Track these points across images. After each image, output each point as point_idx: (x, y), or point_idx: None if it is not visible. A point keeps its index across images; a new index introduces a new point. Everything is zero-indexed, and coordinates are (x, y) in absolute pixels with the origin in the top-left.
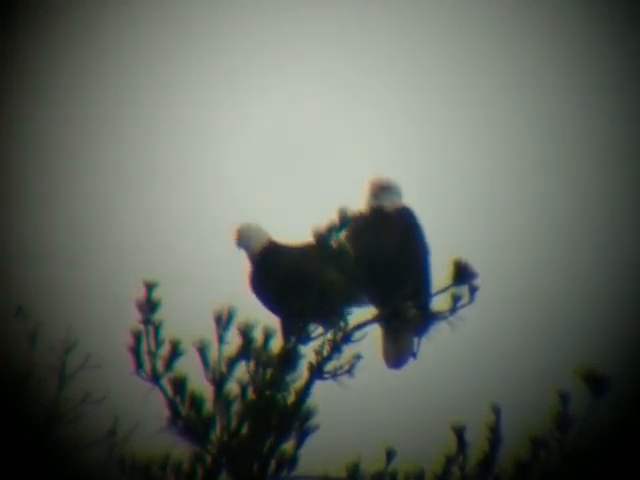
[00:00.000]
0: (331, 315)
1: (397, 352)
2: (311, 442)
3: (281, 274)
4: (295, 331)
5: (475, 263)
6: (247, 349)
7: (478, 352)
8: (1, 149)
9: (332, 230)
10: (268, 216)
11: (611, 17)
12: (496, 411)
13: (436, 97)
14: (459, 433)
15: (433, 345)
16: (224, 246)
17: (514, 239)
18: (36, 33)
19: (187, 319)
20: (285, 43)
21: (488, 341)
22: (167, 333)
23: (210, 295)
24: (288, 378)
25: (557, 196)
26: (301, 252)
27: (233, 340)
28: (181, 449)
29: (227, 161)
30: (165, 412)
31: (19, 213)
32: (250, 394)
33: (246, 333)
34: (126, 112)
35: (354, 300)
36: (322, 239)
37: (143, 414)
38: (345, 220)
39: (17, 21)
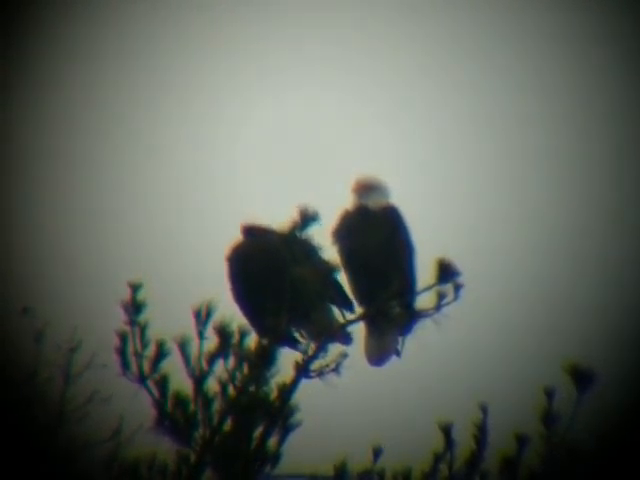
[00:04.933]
0: (307, 311)
1: (381, 350)
2: (299, 440)
3: (261, 263)
4: (271, 327)
5: (461, 262)
6: (225, 346)
7: (466, 351)
8: (2, 149)
9: (295, 229)
10: (260, 214)
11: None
12: (483, 409)
13: (429, 97)
14: (446, 431)
15: (421, 344)
16: (213, 245)
17: (502, 238)
18: (36, 32)
19: (176, 319)
20: (286, 43)
21: (476, 340)
22: (153, 333)
23: (195, 293)
24: (268, 373)
25: (549, 195)
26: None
27: (213, 337)
28: (170, 449)
29: (224, 161)
30: (152, 412)
31: (21, 212)
32: (230, 391)
33: (223, 330)
34: (125, 111)
35: (326, 295)
36: (286, 238)
37: (147, 413)
38: (307, 217)
39: (17, 20)
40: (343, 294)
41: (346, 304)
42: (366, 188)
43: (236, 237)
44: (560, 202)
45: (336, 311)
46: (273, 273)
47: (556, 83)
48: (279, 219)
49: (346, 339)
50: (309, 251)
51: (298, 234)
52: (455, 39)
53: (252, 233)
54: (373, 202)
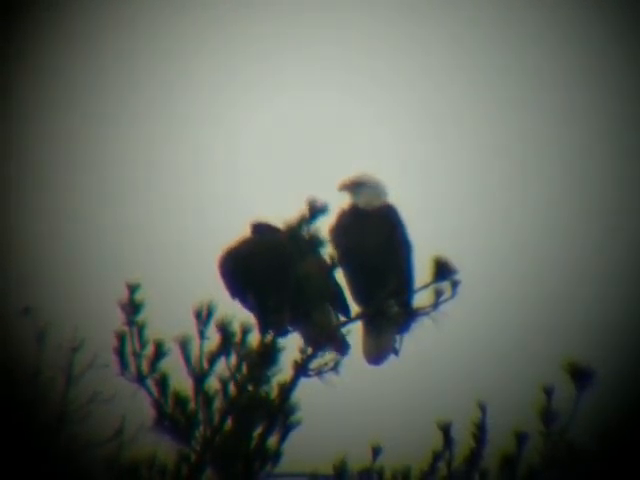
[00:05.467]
0: (309, 309)
1: (378, 349)
2: (299, 439)
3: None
4: (273, 324)
5: (459, 261)
6: (227, 344)
7: (465, 349)
8: (1, 149)
9: (302, 222)
10: (260, 214)
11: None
12: (482, 408)
13: (428, 98)
14: (445, 430)
15: (420, 342)
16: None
17: (501, 237)
18: (36, 31)
19: (174, 319)
20: (286, 43)
21: (475, 338)
22: (152, 333)
23: (194, 293)
24: (269, 372)
25: (549, 194)
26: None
27: (214, 336)
28: (171, 448)
29: (224, 160)
30: (151, 412)
31: (22, 212)
32: (232, 390)
33: (224, 328)
34: (125, 111)
35: (329, 293)
36: (293, 231)
37: (148, 413)
38: (315, 210)
39: (17, 19)
40: (342, 296)
41: (343, 307)
42: (354, 185)
43: (242, 234)
44: (560, 201)
45: (333, 313)
46: (277, 270)
47: (557, 82)
48: (279, 218)
49: (343, 348)
50: (315, 246)
51: (306, 226)
52: (455, 39)
53: (260, 231)
54: (363, 199)
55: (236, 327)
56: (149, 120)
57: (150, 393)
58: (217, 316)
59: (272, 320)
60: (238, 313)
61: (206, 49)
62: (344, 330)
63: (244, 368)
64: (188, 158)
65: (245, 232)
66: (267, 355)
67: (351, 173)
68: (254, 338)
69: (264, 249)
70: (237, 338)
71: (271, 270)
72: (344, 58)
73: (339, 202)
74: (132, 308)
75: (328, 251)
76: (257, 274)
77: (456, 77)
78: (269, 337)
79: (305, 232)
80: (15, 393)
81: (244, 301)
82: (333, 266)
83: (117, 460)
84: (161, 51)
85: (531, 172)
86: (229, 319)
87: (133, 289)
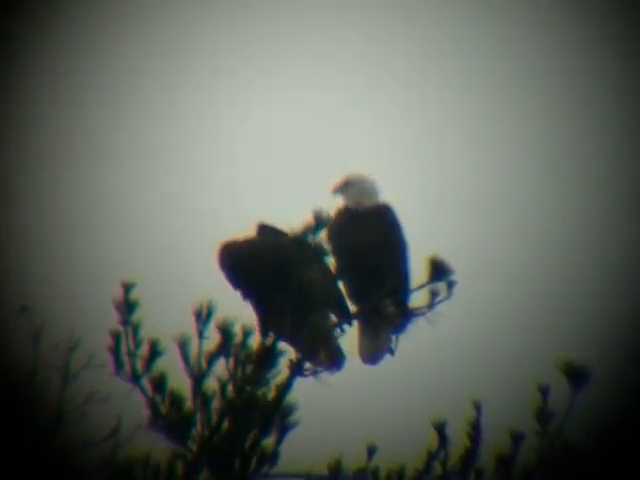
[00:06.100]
0: (310, 314)
1: (374, 348)
2: (294, 440)
3: (269, 260)
4: (274, 327)
5: (456, 262)
6: (226, 345)
7: (460, 349)
8: (1, 149)
9: (308, 231)
10: (258, 215)
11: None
12: (477, 407)
13: (428, 98)
14: (440, 429)
15: (415, 342)
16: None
17: (496, 236)
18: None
19: (170, 318)
20: (286, 43)
21: (470, 338)
22: (147, 333)
23: (192, 293)
24: (268, 374)
25: (547, 193)
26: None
27: (214, 336)
28: (163, 448)
29: (222, 160)
30: (146, 411)
31: (20, 211)
32: (230, 390)
33: (225, 329)
34: (124, 111)
35: (332, 300)
36: (298, 240)
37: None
38: (321, 221)
39: (17, 19)
40: (344, 303)
41: (345, 314)
42: (343, 186)
43: (247, 234)
44: (558, 201)
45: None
46: (278, 273)
47: (556, 83)
48: (278, 218)
49: (339, 359)
50: (320, 255)
51: (311, 237)
52: (454, 40)
53: (265, 233)
54: (353, 199)
55: (237, 328)
56: (148, 120)
57: (144, 392)
58: (217, 316)
59: (273, 323)
60: (238, 313)
61: (205, 49)
62: (338, 333)
63: (242, 369)
64: (187, 158)
65: (250, 232)
66: (266, 357)
67: (345, 174)
68: (254, 340)
69: (266, 251)
70: (238, 340)
71: (272, 273)
72: (344, 58)
73: (337, 203)
74: (127, 307)
75: (331, 260)
76: (258, 276)
77: (456, 77)
78: (269, 340)
79: (310, 241)
80: (11, 393)
81: (245, 295)
82: (336, 274)
83: (113, 460)
84: (160, 51)
85: (529, 173)
86: (231, 320)
87: (128, 288)
